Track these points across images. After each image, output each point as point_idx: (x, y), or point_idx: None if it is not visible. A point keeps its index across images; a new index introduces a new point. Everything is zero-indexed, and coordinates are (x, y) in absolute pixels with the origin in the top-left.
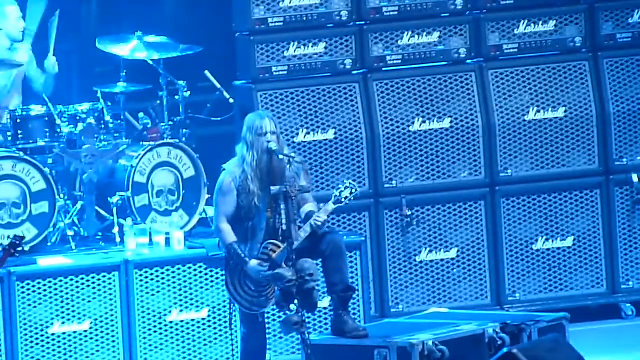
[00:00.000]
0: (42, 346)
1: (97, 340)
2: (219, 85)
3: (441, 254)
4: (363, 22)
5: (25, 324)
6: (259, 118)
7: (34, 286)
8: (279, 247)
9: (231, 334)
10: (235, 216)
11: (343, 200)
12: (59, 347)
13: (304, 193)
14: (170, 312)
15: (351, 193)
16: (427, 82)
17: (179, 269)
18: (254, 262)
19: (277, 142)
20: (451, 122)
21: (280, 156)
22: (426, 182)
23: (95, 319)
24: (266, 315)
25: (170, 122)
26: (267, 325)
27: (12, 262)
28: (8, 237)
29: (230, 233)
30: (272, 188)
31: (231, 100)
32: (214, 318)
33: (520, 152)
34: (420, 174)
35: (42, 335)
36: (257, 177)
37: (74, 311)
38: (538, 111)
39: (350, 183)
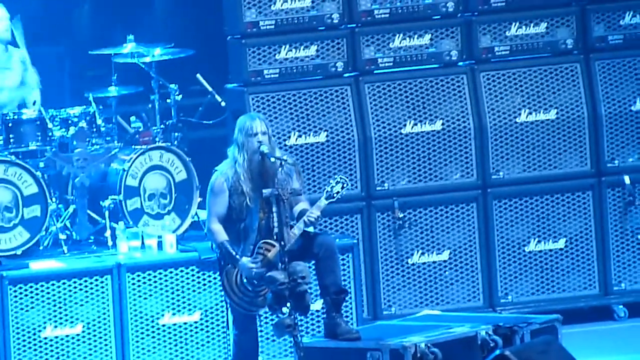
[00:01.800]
0: (35, 350)
1: (89, 344)
2: (210, 89)
3: (433, 256)
4: (354, 25)
5: (17, 328)
6: (250, 119)
7: (26, 290)
8: (274, 246)
9: (224, 337)
10: (227, 217)
11: (335, 195)
12: (52, 350)
13: (297, 195)
14: (162, 315)
15: (343, 187)
16: (419, 85)
17: (171, 272)
18: (245, 259)
19: (268, 143)
20: (443, 124)
21: (272, 159)
22: (418, 185)
23: (88, 323)
24: (259, 318)
25: (162, 126)
26: (259, 328)
27: (5, 266)
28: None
29: (221, 232)
30: (264, 191)
31: (223, 104)
32: (207, 321)
33: (512, 154)
34: (412, 176)
35: (34, 339)
36: (249, 178)
37: (66, 315)
38: (530, 113)
39: (341, 178)
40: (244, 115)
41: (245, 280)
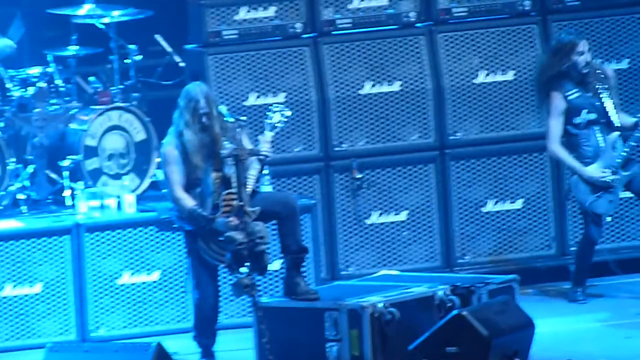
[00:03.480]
0: None
1: (48, 303)
2: (169, 49)
3: (391, 216)
4: None
5: None
6: (195, 85)
7: None
8: (235, 194)
9: (183, 297)
10: (185, 183)
11: (277, 125)
12: (10, 309)
13: (254, 155)
14: (121, 275)
15: (282, 115)
16: (377, 46)
17: (130, 232)
18: (219, 216)
19: (215, 107)
20: (401, 85)
21: (229, 119)
22: (376, 145)
23: (47, 282)
24: (218, 279)
25: (121, 86)
26: (218, 288)
27: None
28: None
29: (188, 198)
30: (222, 151)
31: (182, 64)
32: (166, 281)
33: (469, 115)
34: (370, 137)
35: None
36: (196, 141)
37: (25, 274)
38: (487, 74)
39: (276, 106)
40: (189, 85)
41: (221, 238)
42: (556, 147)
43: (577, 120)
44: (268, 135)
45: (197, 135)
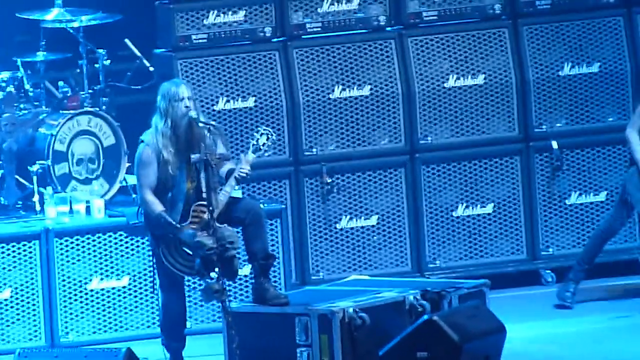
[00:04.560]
0: None
1: (17, 309)
2: (138, 54)
3: (361, 221)
4: None
5: None
6: (175, 85)
7: None
8: (207, 207)
9: (152, 302)
10: (157, 187)
11: (261, 147)
12: None
13: (225, 160)
14: (91, 280)
15: (268, 139)
16: (347, 50)
17: (99, 237)
18: (186, 227)
19: (194, 108)
20: (371, 89)
21: (200, 124)
22: (346, 150)
23: (16, 288)
24: (186, 283)
25: (90, 91)
26: (187, 293)
27: None
28: None
29: (156, 203)
30: (192, 156)
31: (151, 69)
32: (135, 286)
33: (440, 119)
34: (340, 141)
35: None
36: (173, 144)
37: None
38: (458, 78)
39: (264, 129)
40: (167, 82)
41: (185, 247)
42: (632, 133)
43: None
44: (250, 156)
45: (177, 124)
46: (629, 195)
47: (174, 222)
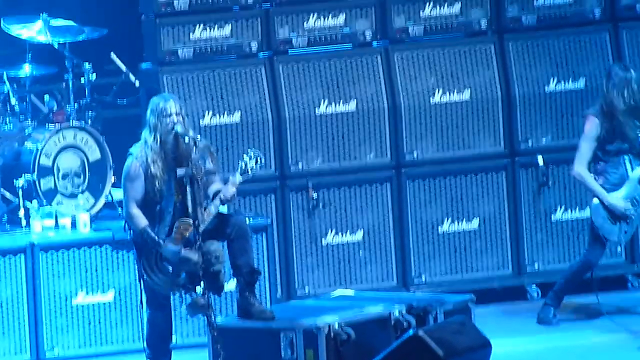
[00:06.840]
0: None
1: (2, 323)
2: (124, 68)
3: (347, 236)
4: (269, 5)
5: None
6: (163, 100)
7: None
8: (191, 225)
9: (138, 317)
10: (144, 200)
11: (249, 170)
12: None
13: (211, 175)
14: (76, 294)
15: (256, 162)
16: (333, 65)
17: (85, 251)
18: (168, 244)
19: (182, 123)
20: (357, 104)
21: (187, 139)
22: (332, 165)
23: (1, 302)
24: (172, 298)
25: (76, 105)
26: (172, 308)
27: None
28: None
29: (141, 217)
30: (178, 171)
31: (137, 83)
32: (121, 301)
33: (426, 134)
34: (326, 156)
35: None
36: (161, 159)
37: None
38: (444, 94)
39: (254, 152)
40: (157, 96)
41: (165, 262)
42: (581, 169)
43: (610, 147)
44: (237, 178)
45: (164, 139)
46: (598, 229)
47: (156, 238)
